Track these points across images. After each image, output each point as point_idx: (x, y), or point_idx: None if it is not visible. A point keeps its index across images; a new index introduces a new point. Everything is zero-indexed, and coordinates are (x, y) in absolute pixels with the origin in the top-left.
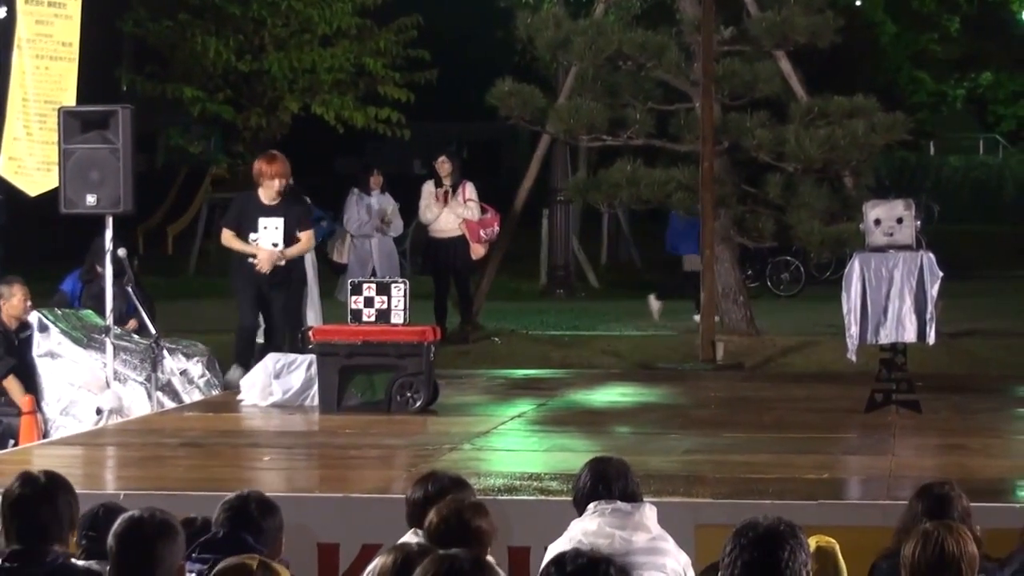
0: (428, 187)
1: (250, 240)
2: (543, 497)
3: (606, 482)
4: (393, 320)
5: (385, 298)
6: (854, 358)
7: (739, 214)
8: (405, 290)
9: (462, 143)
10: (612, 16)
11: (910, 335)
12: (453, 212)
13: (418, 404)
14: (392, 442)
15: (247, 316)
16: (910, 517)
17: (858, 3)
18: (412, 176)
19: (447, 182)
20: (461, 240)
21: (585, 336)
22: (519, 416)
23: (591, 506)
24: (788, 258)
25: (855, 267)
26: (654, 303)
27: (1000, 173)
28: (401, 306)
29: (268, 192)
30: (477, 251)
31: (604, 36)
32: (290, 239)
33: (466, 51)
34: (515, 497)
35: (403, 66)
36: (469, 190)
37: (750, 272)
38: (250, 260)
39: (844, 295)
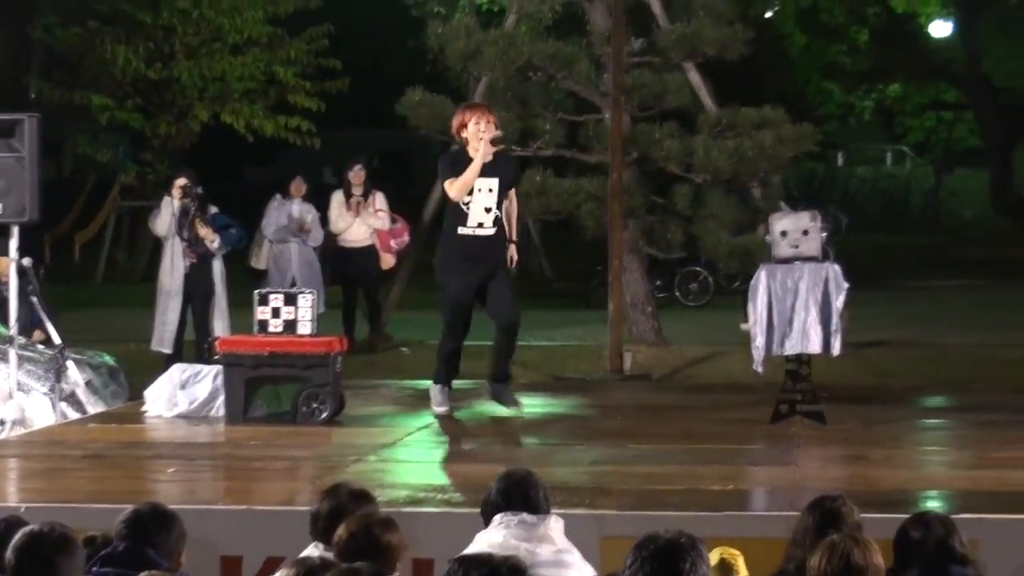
0: (338, 196)
1: (463, 204)
2: (448, 509)
3: (513, 494)
4: (300, 331)
5: (292, 309)
6: (760, 369)
7: (648, 225)
8: (313, 301)
9: (373, 152)
10: (523, 27)
11: (815, 346)
12: (364, 222)
13: (324, 415)
14: (297, 454)
15: (463, 327)
16: (802, 530)
17: (768, 15)
18: (323, 185)
19: (358, 191)
20: (371, 250)
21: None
22: (426, 427)
23: (497, 518)
24: (697, 269)
25: (761, 279)
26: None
27: (907, 184)
28: (308, 317)
29: (474, 142)
30: (387, 261)
31: (515, 47)
32: (502, 203)
33: (377, 60)
34: (420, 509)
35: (314, 75)
36: (379, 200)
37: (659, 283)
38: (467, 234)
39: (750, 306)
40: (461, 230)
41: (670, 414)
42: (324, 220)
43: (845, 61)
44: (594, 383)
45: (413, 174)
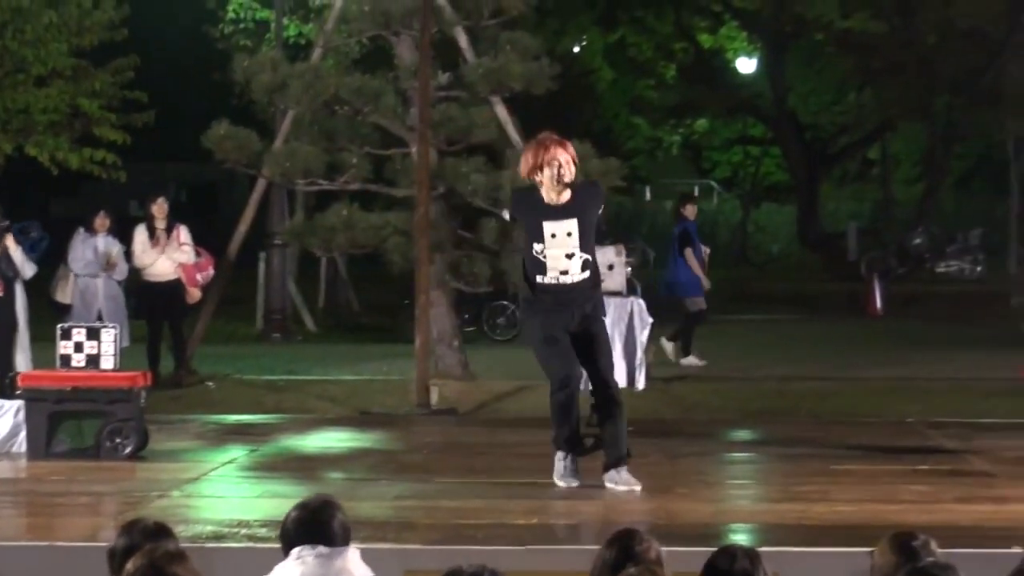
0: (141, 230)
1: (535, 252)
2: (251, 544)
3: (307, 524)
4: (103, 365)
5: (96, 343)
6: None
7: (455, 259)
8: (116, 335)
9: (179, 185)
10: (330, 60)
11: (620, 380)
12: (169, 256)
13: (128, 450)
14: (100, 489)
15: (567, 366)
16: (599, 566)
17: (575, 50)
18: (129, 218)
19: (162, 225)
20: (177, 284)
21: (300, 380)
22: (230, 462)
23: (294, 552)
24: (504, 303)
25: None
26: (667, 344)
27: (715, 218)
28: (112, 351)
29: (550, 187)
30: (193, 295)
31: (321, 80)
32: (590, 243)
33: (184, 93)
34: (223, 544)
35: (120, 107)
36: (183, 233)
37: (466, 316)
38: (549, 283)
39: None
40: (541, 280)
41: (476, 448)
42: (129, 254)
43: (653, 96)
44: (400, 417)
45: (219, 207)
